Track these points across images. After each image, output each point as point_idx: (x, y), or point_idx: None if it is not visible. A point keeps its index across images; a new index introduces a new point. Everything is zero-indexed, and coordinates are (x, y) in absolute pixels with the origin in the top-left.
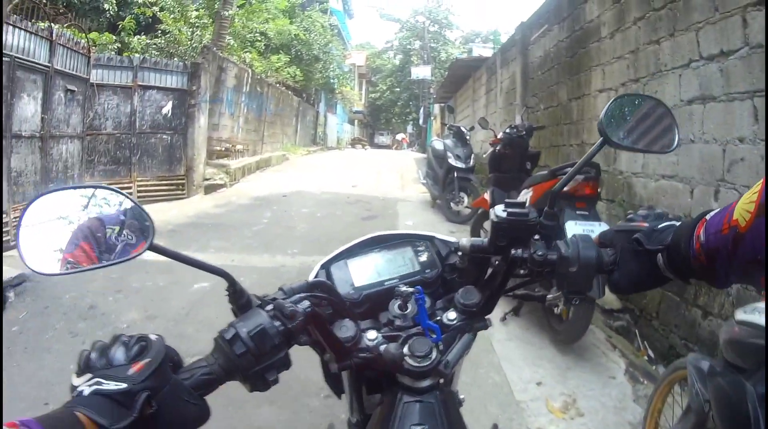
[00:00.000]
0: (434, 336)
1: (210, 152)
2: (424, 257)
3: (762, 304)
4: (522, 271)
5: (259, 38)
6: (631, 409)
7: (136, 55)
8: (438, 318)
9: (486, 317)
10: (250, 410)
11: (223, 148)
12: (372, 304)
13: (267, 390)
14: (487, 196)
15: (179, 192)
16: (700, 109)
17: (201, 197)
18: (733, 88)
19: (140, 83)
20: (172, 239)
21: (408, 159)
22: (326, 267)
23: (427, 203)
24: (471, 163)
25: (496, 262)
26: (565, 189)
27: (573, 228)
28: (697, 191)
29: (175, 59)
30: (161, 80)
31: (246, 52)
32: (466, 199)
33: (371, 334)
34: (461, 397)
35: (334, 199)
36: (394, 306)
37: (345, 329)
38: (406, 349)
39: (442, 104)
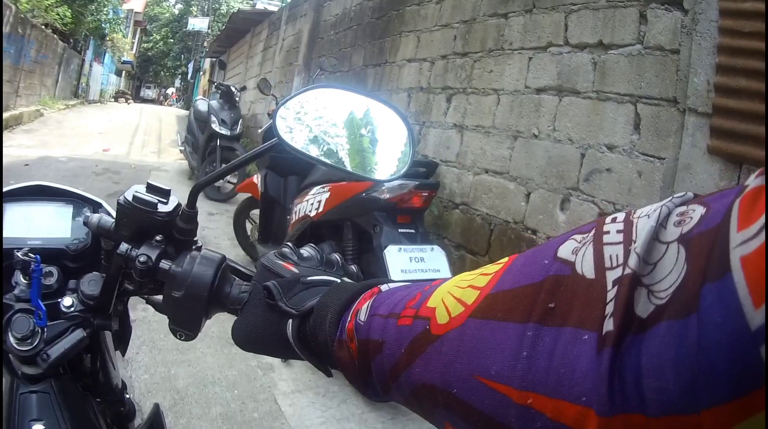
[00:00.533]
0: (41, 319)
1: None
2: (79, 224)
3: None
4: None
5: None
6: None
7: None
8: (58, 300)
9: (134, 319)
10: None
11: None
12: (9, 263)
13: None
14: (257, 179)
15: None
16: (553, 102)
17: None
18: (609, 86)
19: None
20: None
21: (171, 117)
22: None
23: (185, 173)
24: (238, 129)
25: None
26: (387, 196)
27: (397, 258)
28: (536, 196)
29: None
30: None
31: None
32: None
33: None
34: (126, 396)
35: (81, 169)
36: (18, 272)
37: None
38: (10, 327)
39: (214, 59)
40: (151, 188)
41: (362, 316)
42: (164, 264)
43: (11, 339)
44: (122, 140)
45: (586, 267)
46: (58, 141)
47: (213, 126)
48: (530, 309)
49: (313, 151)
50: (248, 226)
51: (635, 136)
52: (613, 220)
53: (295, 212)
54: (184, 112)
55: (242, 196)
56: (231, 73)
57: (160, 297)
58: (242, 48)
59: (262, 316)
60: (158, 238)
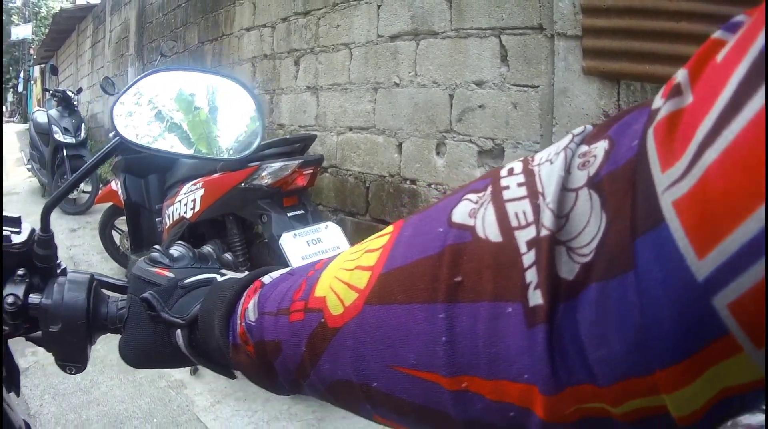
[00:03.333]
0: None
1: None
2: None
3: None
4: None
5: None
6: None
7: None
8: None
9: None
10: None
11: None
12: None
13: None
14: (115, 186)
15: None
16: (410, 47)
17: None
18: (468, 23)
19: None
20: None
21: (10, 135)
22: None
23: (38, 192)
24: (82, 135)
25: None
26: (269, 182)
27: (293, 245)
28: (409, 145)
29: None
30: None
31: None
32: (82, 184)
33: None
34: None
35: None
36: None
37: None
38: None
39: (43, 65)
40: None
41: (251, 317)
42: (34, 298)
43: None
44: None
45: (489, 230)
46: None
47: (56, 137)
48: (434, 286)
49: (161, 144)
50: (116, 236)
51: (504, 68)
52: (510, 173)
53: (168, 216)
54: (24, 126)
55: (102, 206)
56: (63, 76)
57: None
58: (70, 48)
59: (147, 330)
60: (20, 272)
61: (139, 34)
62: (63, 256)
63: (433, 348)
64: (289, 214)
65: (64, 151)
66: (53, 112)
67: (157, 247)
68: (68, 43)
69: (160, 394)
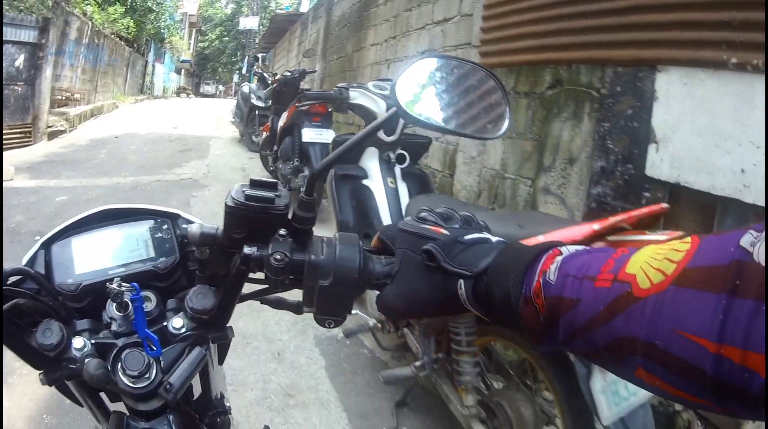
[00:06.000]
0: (154, 349)
1: (52, 101)
2: (161, 240)
3: None
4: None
5: None
6: None
7: None
8: (164, 324)
9: (228, 326)
10: None
11: (64, 98)
12: (95, 298)
13: None
14: (270, 122)
15: (26, 139)
16: None
17: (45, 143)
18: (448, 42)
19: None
20: (31, 173)
21: (229, 105)
22: (47, 245)
23: (236, 139)
24: (270, 102)
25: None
26: (305, 108)
27: (308, 133)
28: None
29: (25, 13)
30: (15, 35)
31: (87, 4)
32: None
33: (78, 342)
34: (227, 405)
35: (158, 138)
36: (112, 306)
37: (49, 333)
38: (120, 365)
39: (264, 53)
40: (257, 184)
41: (551, 276)
42: (298, 256)
43: (124, 379)
44: (187, 123)
45: (760, 257)
46: (137, 123)
47: (252, 100)
48: (722, 284)
49: (429, 115)
50: (269, 161)
51: None
52: None
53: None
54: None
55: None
56: (278, 65)
57: (275, 296)
58: (284, 44)
59: (420, 280)
60: (282, 232)
61: (325, 40)
62: (236, 167)
63: (710, 322)
64: (312, 123)
65: (257, 111)
66: (253, 86)
67: (425, 208)
68: (283, 40)
69: None
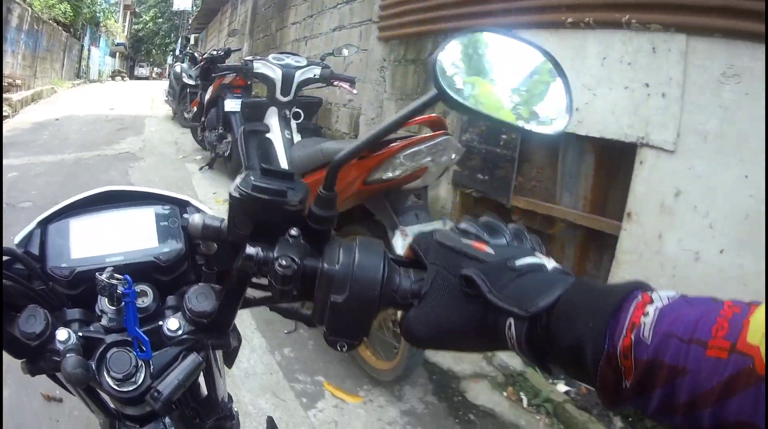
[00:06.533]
0: (144, 350)
1: None
2: (166, 229)
3: None
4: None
5: None
6: None
7: None
8: (159, 323)
9: (233, 329)
10: None
11: (6, 83)
12: (90, 286)
13: None
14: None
15: None
16: (339, 35)
17: None
18: (354, 19)
19: None
20: None
21: (162, 86)
22: (44, 225)
23: (169, 117)
24: (199, 80)
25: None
26: (227, 82)
27: (229, 103)
28: None
29: None
30: None
31: None
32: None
33: (62, 334)
34: (234, 410)
35: (96, 119)
36: (103, 298)
37: (32, 321)
38: (105, 365)
39: (197, 34)
40: (269, 173)
41: (645, 332)
42: (310, 262)
43: (109, 380)
44: (122, 104)
45: None
46: (75, 106)
47: (184, 79)
48: None
49: (476, 103)
50: (199, 133)
51: (359, 42)
52: None
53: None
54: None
55: None
56: (210, 44)
57: (292, 304)
58: (215, 24)
59: (455, 309)
60: (293, 232)
61: (252, 20)
62: (170, 141)
63: None
64: (234, 94)
65: (188, 89)
66: (185, 65)
67: (468, 217)
68: (215, 20)
69: None
